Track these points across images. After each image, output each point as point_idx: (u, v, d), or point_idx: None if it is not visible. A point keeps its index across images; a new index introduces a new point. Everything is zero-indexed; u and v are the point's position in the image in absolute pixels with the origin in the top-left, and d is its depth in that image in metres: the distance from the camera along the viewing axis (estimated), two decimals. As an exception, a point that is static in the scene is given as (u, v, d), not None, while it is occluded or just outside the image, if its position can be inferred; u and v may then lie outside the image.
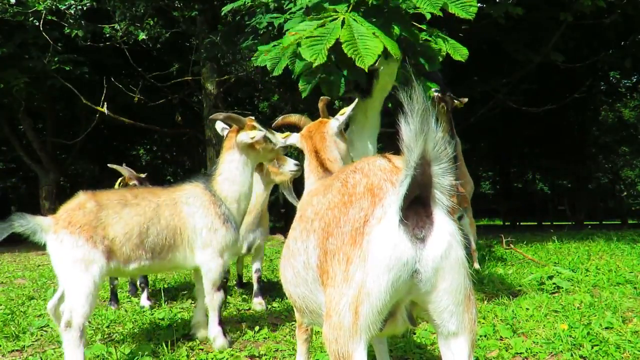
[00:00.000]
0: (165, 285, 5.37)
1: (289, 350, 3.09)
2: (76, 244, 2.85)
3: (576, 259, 5.77)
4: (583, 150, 19.00)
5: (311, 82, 3.45)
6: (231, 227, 3.32)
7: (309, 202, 1.86)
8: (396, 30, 3.22)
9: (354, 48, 2.92)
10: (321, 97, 3.07)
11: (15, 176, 20.41)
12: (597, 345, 2.85)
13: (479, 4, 3.49)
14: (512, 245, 6.58)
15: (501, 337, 3.12)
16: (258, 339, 3.40)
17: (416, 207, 1.43)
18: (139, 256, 3.06)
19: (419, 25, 3.58)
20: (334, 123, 2.55)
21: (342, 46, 2.94)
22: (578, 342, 2.90)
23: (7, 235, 2.85)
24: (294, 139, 2.64)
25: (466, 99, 5.47)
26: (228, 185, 3.34)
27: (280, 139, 3.40)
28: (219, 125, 3.55)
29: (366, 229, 1.46)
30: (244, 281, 5.33)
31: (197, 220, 3.23)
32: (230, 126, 3.44)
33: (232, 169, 3.35)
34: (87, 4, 10.02)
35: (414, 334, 3.22)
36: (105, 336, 3.53)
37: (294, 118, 2.93)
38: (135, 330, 3.67)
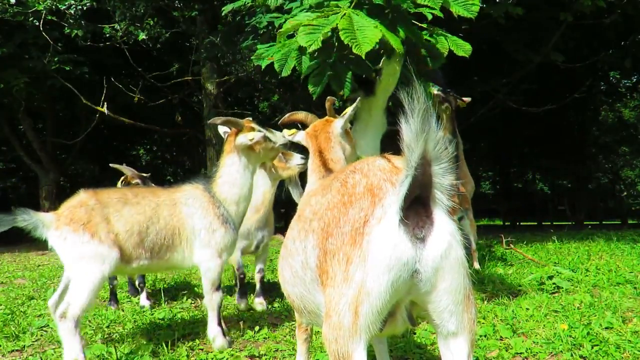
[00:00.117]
0: (165, 285, 5.37)
1: (289, 350, 3.09)
2: (82, 240, 2.91)
3: (576, 259, 5.77)
4: (583, 150, 19.00)
5: (320, 82, 3.45)
6: (230, 228, 3.34)
7: (307, 202, 1.86)
8: (401, 33, 3.24)
9: (352, 36, 2.94)
10: (328, 97, 3.08)
11: (15, 176, 20.41)
12: (597, 345, 2.85)
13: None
14: (512, 245, 6.58)
15: (501, 337, 3.12)
16: (258, 339, 3.40)
17: (416, 207, 1.43)
18: (139, 255, 3.10)
19: (420, 24, 3.59)
20: (339, 123, 2.55)
21: (340, 34, 2.95)
22: (578, 342, 2.90)
23: (8, 228, 2.90)
24: (300, 136, 2.64)
25: (469, 99, 5.46)
26: (228, 187, 3.36)
27: (280, 137, 3.41)
28: (221, 129, 3.58)
29: (366, 229, 1.46)
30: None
31: (196, 221, 3.26)
32: (230, 129, 3.45)
33: (232, 172, 3.37)
34: (87, 4, 10.03)
35: (414, 334, 3.22)
36: (105, 336, 3.53)
37: (301, 115, 2.94)
38: (135, 330, 3.67)
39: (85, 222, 2.94)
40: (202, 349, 3.24)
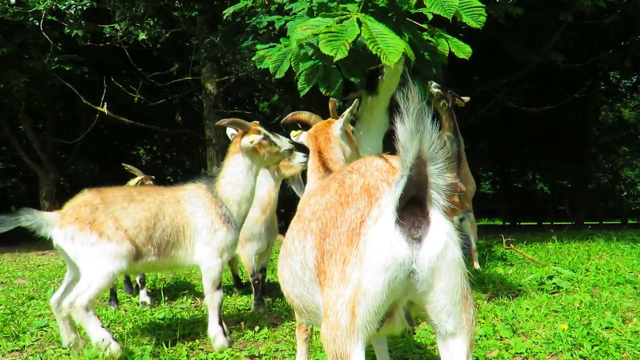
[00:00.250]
0: (165, 285, 5.37)
1: (289, 350, 3.09)
2: (90, 241, 2.95)
3: (576, 259, 5.77)
4: (583, 150, 18.99)
5: (311, 81, 3.47)
6: (232, 228, 3.38)
7: (306, 203, 1.86)
8: (405, 36, 3.25)
9: (377, 45, 2.93)
10: (330, 98, 3.09)
11: (15, 176, 20.42)
12: (597, 345, 2.85)
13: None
14: (512, 245, 6.58)
15: (501, 337, 3.12)
16: (258, 339, 3.40)
17: (412, 207, 1.43)
18: (148, 251, 3.14)
19: (421, 25, 3.59)
20: (338, 124, 2.57)
21: (367, 43, 2.95)
22: (578, 342, 2.90)
23: (13, 227, 2.93)
24: (302, 137, 2.66)
25: (468, 98, 5.46)
26: (231, 187, 3.40)
27: (285, 143, 3.46)
28: (229, 131, 3.63)
29: (363, 229, 1.47)
30: (243, 282, 5.34)
31: (199, 219, 3.30)
32: (237, 131, 3.50)
33: (235, 173, 3.42)
34: (87, 4, 10.02)
35: (414, 334, 3.22)
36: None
37: (304, 115, 2.95)
38: (135, 330, 3.67)
39: (91, 221, 2.98)
40: (202, 349, 3.24)
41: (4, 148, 17.66)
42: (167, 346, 3.17)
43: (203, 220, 3.29)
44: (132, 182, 5.06)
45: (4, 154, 18.39)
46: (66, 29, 9.80)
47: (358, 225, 1.48)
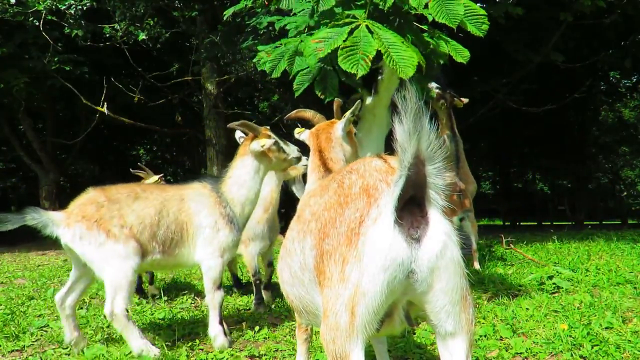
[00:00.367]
0: (165, 285, 5.37)
1: (289, 350, 3.09)
2: (98, 241, 2.98)
3: (576, 259, 5.77)
4: (583, 150, 18.99)
5: (307, 81, 3.46)
6: (234, 228, 3.40)
7: (306, 203, 1.87)
8: (409, 37, 3.25)
9: (391, 59, 2.91)
10: (335, 99, 3.09)
11: (15, 176, 20.41)
12: (597, 345, 2.85)
13: (479, 4, 3.50)
14: (512, 245, 6.58)
15: (501, 337, 3.12)
16: (258, 339, 3.41)
17: (411, 207, 1.43)
18: (152, 249, 3.16)
19: (421, 26, 3.58)
20: (340, 125, 2.58)
21: (384, 58, 2.94)
22: (578, 342, 2.90)
23: (18, 226, 2.95)
24: (305, 135, 2.67)
25: (466, 99, 5.46)
26: (236, 188, 3.43)
27: (294, 150, 3.50)
28: (237, 134, 3.67)
29: (362, 229, 1.47)
30: (242, 282, 5.34)
31: (202, 218, 3.31)
32: (247, 134, 3.53)
33: (242, 174, 3.45)
34: (87, 4, 10.01)
35: (414, 334, 3.22)
36: (105, 336, 3.53)
37: (308, 114, 2.95)
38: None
39: (98, 219, 3.00)
40: (202, 349, 3.24)
41: (4, 148, 17.66)
42: (167, 346, 3.17)
43: (206, 220, 3.31)
44: (149, 181, 5.15)
45: (4, 154, 18.39)
46: (66, 29, 9.80)
47: (357, 226, 1.48)
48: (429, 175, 1.40)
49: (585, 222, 18.16)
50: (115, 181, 5.28)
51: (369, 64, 2.93)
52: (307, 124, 2.87)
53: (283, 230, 4.11)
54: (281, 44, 3.62)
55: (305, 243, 1.70)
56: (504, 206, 24.98)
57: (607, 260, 5.67)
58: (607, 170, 25.08)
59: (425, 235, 1.42)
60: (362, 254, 1.44)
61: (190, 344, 3.30)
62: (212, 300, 3.30)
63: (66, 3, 9.64)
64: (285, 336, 3.43)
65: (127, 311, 2.96)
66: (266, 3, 4.83)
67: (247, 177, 3.44)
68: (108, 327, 3.81)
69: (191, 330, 3.62)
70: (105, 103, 9.93)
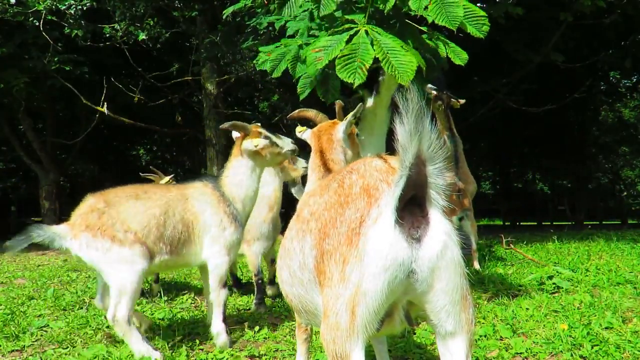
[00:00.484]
0: (165, 286, 5.37)
1: (289, 350, 3.09)
2: (104, 247, 2.97)
3: (576, 259, 5.77)
4: (583, 150, 19.00)
5: (309, 87, 3.47)
6: (239, 226, 3.41)
7: (306, 203, 1.87)
8: (410, 43, 3.24)
9: (389, 65, 2.91)
10: (337, 101, 3.10)
11: (15, 176, 20.41)
12: (597, 345, 2.84)
13: (478, 4, 3.51)
14: (512, 245, 6.58)
15: (501, 337, 3.12)
16: (258, 339, 3.40)
17: (412, 207, 1.43)
18: (160, 249, 3.14)
19: (420, 27, 3.59)
20: (341, 127, 2.58)
21: (382, 64, 2.93)
22: (578, 342, 2.90)
23: (26, 245, 2.95)
24: (307, 134, 2.67)
25: (463, 100, 5.47)
26: (235, 188, 3.43)
27: (287, 143, 3.48)
28: (234, 133, 3.64)
29: (362, 229, 1.47)
30: (242, 282, 5.34)
31: (207, 217, 3.31)
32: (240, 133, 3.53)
33: (238, 174, 3.45)
34: (87, 4, 10.02)
35: (414, 334, 3.22)
36: (105, 336, 3.53)
37: (310, 113, 2.96)
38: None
39: (101, 226, 2.98)
40: (202, 349, 3.24)
41: (4, 148, 17.66)
42: (167, 346, 3.17)
43: (212, 218, 3.31)
44: (162, 182, 5.17)
45: (4, 154, 18.39)
46: (66, 29, 9.80)
47: (357, 226, 1.48)
48: (429, 175, 1.40)
49: (585, 222, 18.16)
50: (115, 181, 5.31)
51: (366, 72, 2.93)
52: (309, 124, 2.88)
53: (282, 230, 4.12)
54: (281, 44, 3.62)
55: (305, 243, 1.70)
56: (504, 206, 25.01)
57: (607, 260, 5.67)
58: (607, 170, 25.09)
59: (425, 235, 1.42)
60: (363, 253, 1.43)
61: (190, 344, 3.30)
62: (217, 297, 3.30)
63: (66, 3, 9.64)
64: (285, 336, 3.43)
65: (130, 322, 2.95)
66: (265, 2, 4.83)
67: (243, 177, 3.44)
68: (108, 327, 3.81)
69: (191, 330, 3.62)
70: (105, 103, 9.93)
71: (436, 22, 3.09)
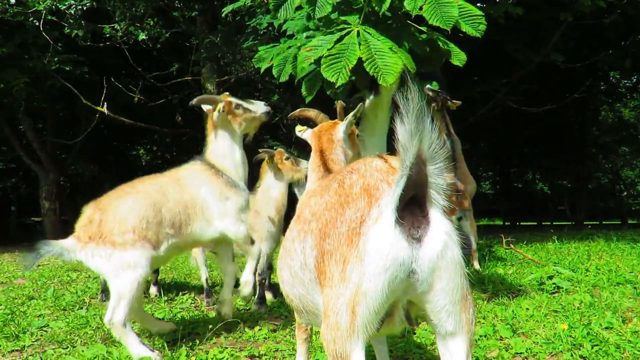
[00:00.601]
0: (165, 285, 5.37)
1: (289, 350, 3.09)
2: (107, 253, 2.99)
3: (576, 259, 5.76)
4: (583, 150, 19.02)
5: (315, 87, 3.47)
6: (240, 189, 3.47)
7: (306, 203, 1.87)
8: (406, 45, 3.25)
9: (374, 66, 2.92)
10: (338, 101, 3.10)
11: (15, 176, 20.41)
12: (597, 345, 2.84)
13: (478, 4, 3.51)
14: (512, 245, 6.58)
15: (501, 337, 3.12)
16: (258, 339, 3.40)
17: (412, 207, 1.43)
18: (165, 236, 3.17)
19: (420, 27, 3.59)
20: (341, 127, 2.58)
21: (365, 65, 2.95)
22: (578, 342, 2.90)
23: (36, 262, 2.99)
24: (307, 134, 2.68)
25: (459, 102, 5.46)
26: (222, 159, 3.48)
27: (260, 107, 3.55)
28: (204, 108, 3.64)
29: (362, 229, 1.47)
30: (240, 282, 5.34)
31: (205, 193, 3.35)
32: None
33: (219, 146, 3.50)
34: (87, 4, 10.02)
35: (414, 334, 3.22)
36: (105, 336, 3.53)
37: (311, 113, 2.96)
38: (135, 330, 3.67)
39: (101, 235, 3.01)
40: (202, 349, 3.24)
41: (4, 148, 17.65)
42: (167, 346, 3.17)
43: (211, 193, 3.35)
44: None
45: (4, 154, 18.39)
46: (66, 29, 9.80)
47: (358, 225, 1.48)
48: (430, 175, 1.40)
49: (585, 222, 18.17)
50: (115, 181, 5.31)
51: (349, 73, 2.96)
52: (310, 124, 2.88)
53: (283, 231, 4.12)
54: (280, 48, 3.63)
55: (305, 243, 1.70)
56: (504, 206, 25.03)
57: (607, 260, 5.66)
58: (607, 170, 25.11)
59: (426, 235, 1.42)
60: (363, 253, 1.43)
61: (190, 344, 3.30)
62: (248, 252, 3.50)
63: (66, 3, 9.65)
64: (285, 336, 3.43)
65: (125, 325, 2.95)
66: (265, 2, 4.84)
67: (225, 148, 3.48)
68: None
69: (191, 330, 3.61)
70: (105, 103, 9.93)
71: (430, 22, 3.10)
